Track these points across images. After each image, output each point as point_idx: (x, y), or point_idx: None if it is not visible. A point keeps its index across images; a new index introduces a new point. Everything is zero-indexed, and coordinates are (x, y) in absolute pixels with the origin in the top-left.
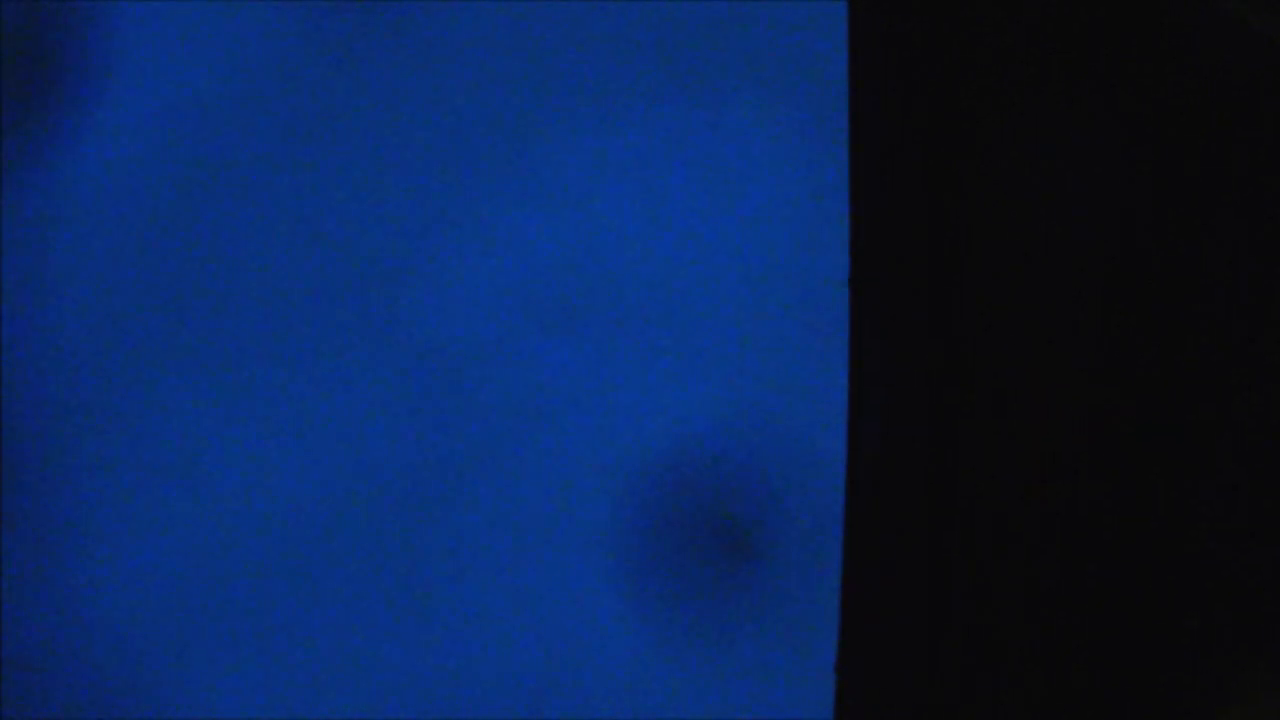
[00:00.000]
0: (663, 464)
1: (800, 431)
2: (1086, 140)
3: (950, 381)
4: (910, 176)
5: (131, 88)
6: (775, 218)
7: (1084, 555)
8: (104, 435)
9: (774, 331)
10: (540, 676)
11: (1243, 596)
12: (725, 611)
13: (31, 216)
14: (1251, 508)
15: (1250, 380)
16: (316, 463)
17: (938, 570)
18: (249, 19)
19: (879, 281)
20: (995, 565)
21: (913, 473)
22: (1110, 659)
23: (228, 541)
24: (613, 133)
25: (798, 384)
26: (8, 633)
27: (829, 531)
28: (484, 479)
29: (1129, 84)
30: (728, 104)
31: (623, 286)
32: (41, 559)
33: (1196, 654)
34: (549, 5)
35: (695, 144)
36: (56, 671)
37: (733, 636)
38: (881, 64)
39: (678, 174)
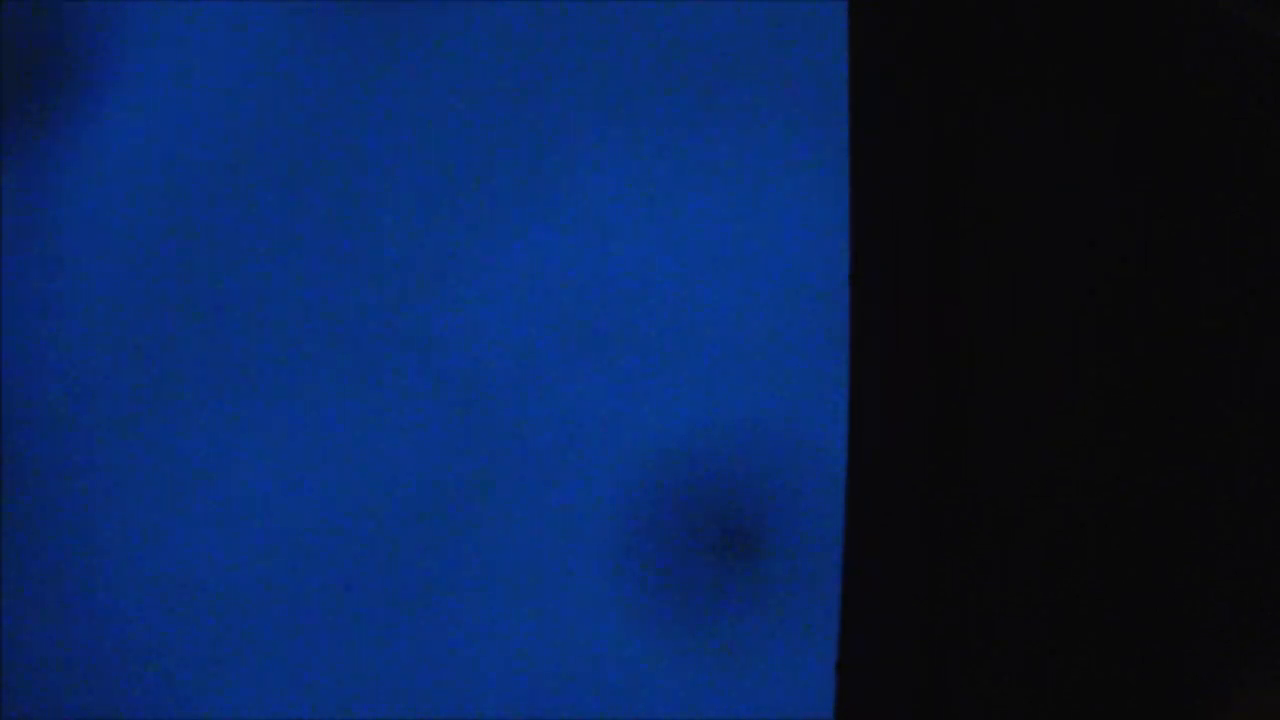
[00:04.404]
0: (672, 472)
1: (805, 440)
2: (1086, 139)
3: (950, 382)
4: (911, 177)
5: (143, 96)
6: (792, 235)
7: (1083, 554)
8: (126, 450)
9: (793, 346)
10: (548, 677)
11: (1243, 596)
12: (729, 611)
13: (46, 221)
14: (1251, 506)
15: (1251, 380)
16: (334, 475)
17: (938, 570)
18: (267, 31)
19: (879, 281)
20: (995, 564)
21: (913, 475)
22: (1110, 658)
23: (245, 553)
24: (633, 153)
25: (808, 395)
26: (31, 638)
27: (831, 532)
28: (500, 490)
29: (1128, 83)
30: (749, 125)
31: (640, 304)
32: (57, 568)
33: (1196, 654)
34: (572, 27)
35: (716, 165)
36: (76, 679)
37: (736, 636)
38: (881, 64)
39: (697, 194)
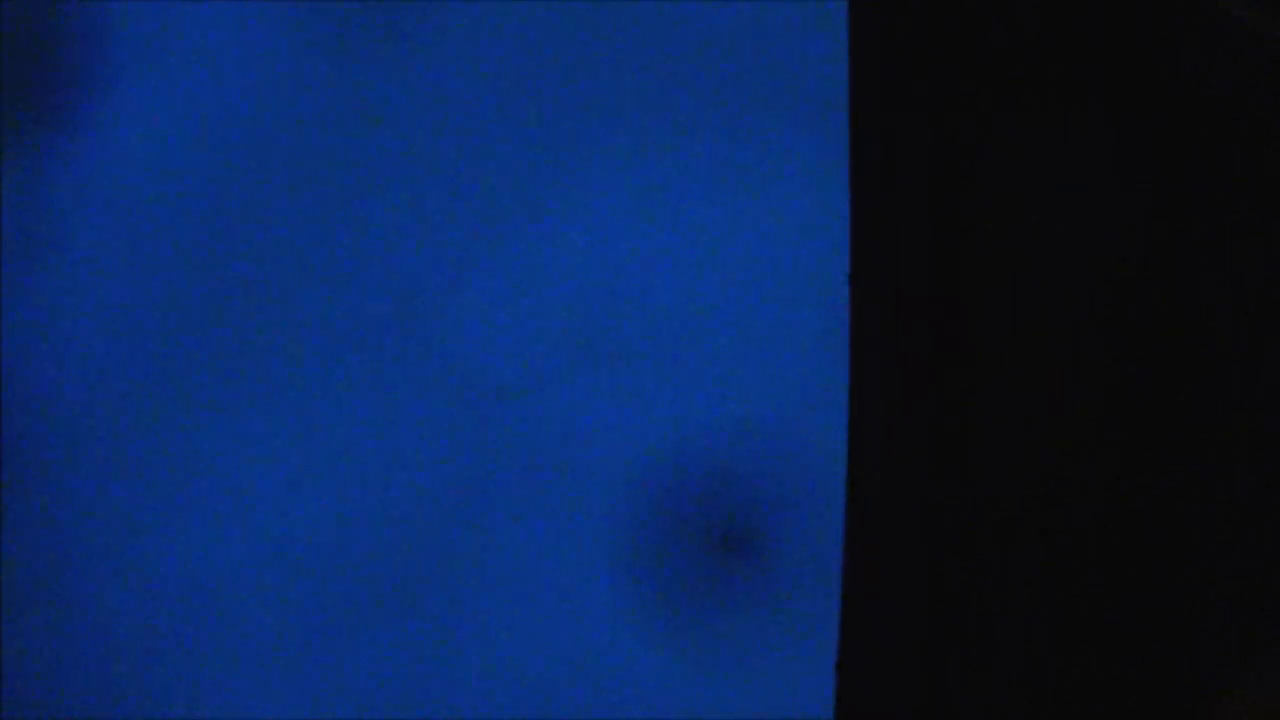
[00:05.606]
0: (674, 473)
1: (804, 440)
2: (1086, 140)
3: (950, 382)
4: (911, 177)
5: (144, 97)
6: (792, 236)
7: (1083, 555)
8: (130, 452)
9: (793, 347)
10: (550, 678)
11: (1243, 596)
12: (729, 611)
13: (47, 221)
14: (1251, 507)
15: (1250, 381)
16: (336, 478)
17: (938, 570)
18: (269, 33)
19: (879, 281)
20: (995, 564)
21: (913, 475)
22: (1110, 658)
23: (248, 555)
24: (633, 155)
25: (807, 395)
26: (34, 640)
27: (831, 532)
28: (502, 491)
29: (1128, 84)
30: (749, 126)
31: (641, 306)
32: (60, 570)
33: (1197, 654)
34: (579, 38)
35: (716, 166)
36: (77, 679)
37: (736, 636)
38: (882, 65)
39: (697, 195)
